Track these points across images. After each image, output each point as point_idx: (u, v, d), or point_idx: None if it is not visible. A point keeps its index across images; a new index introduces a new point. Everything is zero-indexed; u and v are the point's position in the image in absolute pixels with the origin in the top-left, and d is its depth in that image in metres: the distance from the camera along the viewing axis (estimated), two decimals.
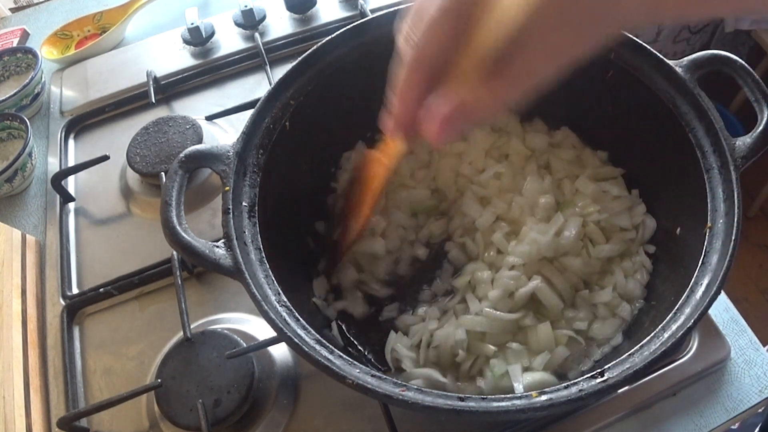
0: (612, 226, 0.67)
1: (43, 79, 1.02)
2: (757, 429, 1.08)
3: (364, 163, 0.66)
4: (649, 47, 0.61)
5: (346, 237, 0.67)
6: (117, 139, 0.93)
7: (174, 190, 0.54)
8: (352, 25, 0.66)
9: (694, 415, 0.62)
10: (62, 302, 0.77)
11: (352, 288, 0.69)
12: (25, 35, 1.17)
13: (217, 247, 0.52)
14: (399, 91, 0.42)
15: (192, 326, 0.68)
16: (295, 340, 0.48)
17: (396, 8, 0.66)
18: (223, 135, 0.91)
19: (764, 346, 0.65)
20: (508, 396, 0.46)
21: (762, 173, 1.77)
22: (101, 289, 0.76)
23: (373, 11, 0.98)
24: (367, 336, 0.66)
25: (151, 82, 0.95)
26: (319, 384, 0.66)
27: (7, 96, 0.96)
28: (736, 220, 0.51)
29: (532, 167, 0.72)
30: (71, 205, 0.88)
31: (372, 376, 0.47)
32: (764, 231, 1.99)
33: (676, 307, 0.50)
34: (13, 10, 1.29)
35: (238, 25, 1.03)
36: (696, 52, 0.60)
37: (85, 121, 0.98)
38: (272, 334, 0.57)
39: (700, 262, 0.52)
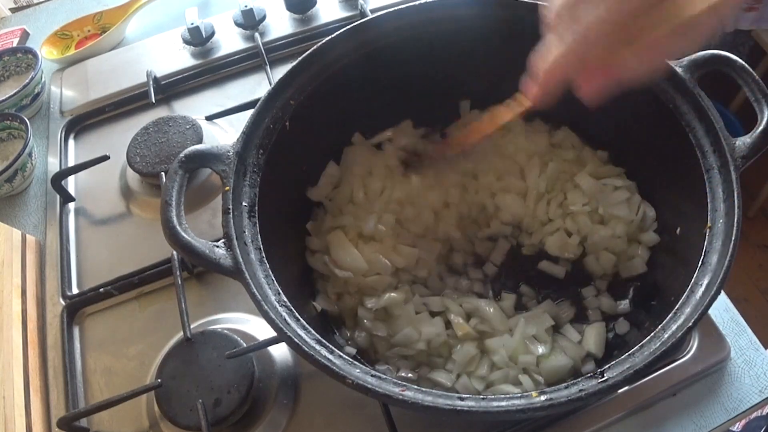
0: (610, 216, 0.68)
1: (43, 79, 1.02)
2: (764, 430, 1.07)
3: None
4: None
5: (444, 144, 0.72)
6: (117, 139, 0.93)
7: (174, 190, 0.54)
8: (352, 25, 0.66)
9: (694, 415, 0.62)
10: (62, 302, 0.77)
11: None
12: (25, 35, 1.17)
13: (217, 247, 0.52)
14: (552, 66, 0.46)
15: (192, 326, 0.68)
16: (295, 340, 0.48)
17: (396, 8, 0.67)
18: (223, 135, 0.91)
19: (764, 346, 0.65)
20: (508, 396, 0.46)
21: (762, 173, 1.77)
22: (101, 289, 0.76)
23: (373, 11, 0.98)
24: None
25: (151, 82, 0.95)
26: (319, 384, 0.66)
27: (7, 96, 0.96)
28: (736, 220, 0.51)
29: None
30: (71, 205, 0.88)
31: (372, 376, 0.47)
32: (764, 231, 1.99)
33: (676, 307, 0.50)
34: (13, 10, 1.29)
35: (238, 25, 1.03)
36: (696, 52, 0.60)
37: (85, 121, 0.98)
38: (272, 334, 0.57)
39: (700, 262, 0.52)
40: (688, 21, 0.39)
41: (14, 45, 1.14)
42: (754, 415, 0.96)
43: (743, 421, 1.00)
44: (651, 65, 0.43)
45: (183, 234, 0.51)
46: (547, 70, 0.46)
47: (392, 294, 0.65)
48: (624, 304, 0.66)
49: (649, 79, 0.45)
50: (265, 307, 0.49)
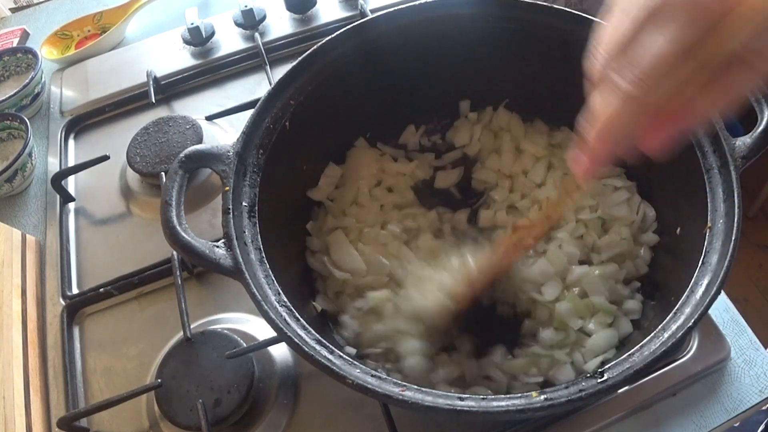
0: (611, 218, 0.68)
1: (43, 79, 1.02)
2: (762, 426, 1.07)
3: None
4: None
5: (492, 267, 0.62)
6: (117, 139, 0.93)
7: (174, 190, 0.54)
8: (352, 25, 0.66)
9: (694, 415, 0.62)
10: (62, 302, 0.77)
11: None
12: (25, 35, 1.17)
13: (217, 247, 0.52)
14: (606, 125, 0.37)
15: (192, 326, 0.68)
16: (295, 340, 0.48)
17: (396, 8, 0.67)
18: (223, 135, 0.91)
19: (764, 346, 0.65)
20: (508, 396, 0.46)
21: (762, 173, 1.77)
22: (101, 289, 0.76)
23: (373, 11, 0.98)
24: None
25: (151, 82, 0.95)
26: (319, 384, 0.66)
27: (7, 96, 0.96)
28: (736, 220, 0.51)
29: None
30: (71, 205, 0.88)
31: (372, 376, 0.47)
32: (764, 231, 1.99)
33: (676, 307, 0.50)
34: (13, 10, 1.29)
35: (238, 25, 1.03)
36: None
37: (85, 121, 0.98)
38: (272, 334, 0.57)
39: (700, 262, 0.52)
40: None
41: (14, 45, 1.14)
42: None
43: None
44: (725, 103, 0.35)
45: (183, 234, 0.51)
46: (601, 132, 0.38)
47: (377, 294, 0.64)
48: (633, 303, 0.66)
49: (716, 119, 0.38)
50: (265, 307, 0.49)
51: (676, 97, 0.34)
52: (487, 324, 0.67)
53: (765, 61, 0.33)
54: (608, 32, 0.36)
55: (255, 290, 0.50)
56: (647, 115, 0.36)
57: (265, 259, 0.54)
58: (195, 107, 0.96)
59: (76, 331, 0.76)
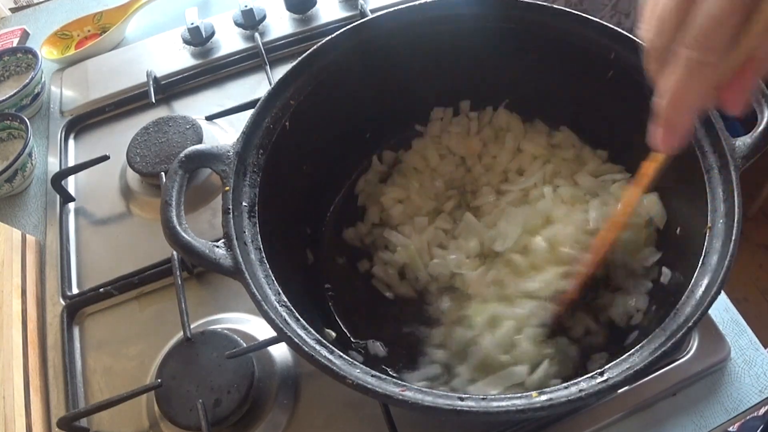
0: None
1: (43, 79, 1.02)
2: (760, 430, 1.07)
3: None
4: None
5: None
6: (117, 139, 0.93)
7: (174, 190, 0.54)
8: (352, 25, 0.66)
9: (694, 415, 0.62)
10: (62, 302, 0.77)
11: None
12: (25, 35, 1.17)
13: (217, 247, 0.52)
14: (677, 94, 0.37)
15: (192, 326, 0.68)
16: (295, 340, 0.48)
17: (396, 8, 0.67)
18: (223, 135, 0.91)
19: (764, 346, 0.65)
20: (508, 396, 0.46)
21: (762, 173, 1.77)
22: (101, 289, 0.76)
23: (373, 11, 0.98)
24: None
25: (151, 82, 0.95)
26: (319, 384, 0.66)
27: (7, 96, 0.96)
28: (736, 220, 0.51)
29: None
30: (71, 205, 0.88)
31: (372, 376, 0.47)
32: (764, 231, 1.99)
33: (676, 307, 0.50)
34: (13, 10, 1.29)
35: (238, 25, 1.03)
36: None
37: (85, 121, 0.98)
38: (272, 334, 0.57)
39: (700, 263, 0.52)
40: None
41: (14, 45, 1.14)
42: (750, 416, 0.96)
43: (739, 422, 1.00)
44: None
45: (183, 234, 0.51)
46: (673, 101, 0.38)
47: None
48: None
49: None
50: (265, 307, 0.49)
51: (742, 51, 0.35)
52: None
53: None
54: (659, 5, 0.37)
55: (255, 290, 0.50)
56: (718, 76, 0.36)
57: (265, 259, 0.54)
58: (195, 107, 0.96)
59: (76, 331, 0.76)
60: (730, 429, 0.65)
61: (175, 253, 0.73)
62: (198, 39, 1.02)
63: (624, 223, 0.59)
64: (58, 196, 0.87)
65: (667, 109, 0.39)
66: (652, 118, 0.41)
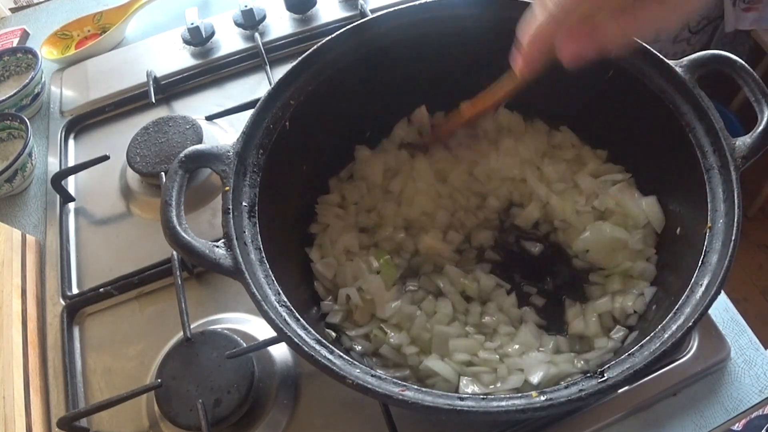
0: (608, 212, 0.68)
1: (43, 79, 1.02)
2: (764, 430, 1.07)
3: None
4: (649, 47, 0.61)
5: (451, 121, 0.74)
6: (117, 139, 0.93)
7: (174, 190, 0.54)
8: (352, 25, 0.66)
9: (694, 415, 0.62)
10: (62, 302, 0.77)
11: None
12: (25, 35, 1.17)
13: (217, 247, 0.52)
14: (535, 33, 0.49)
15: (192, 326, 0.68)
16: (295, 340, 0.48)
17: (396, 8, 0.67)
18: (223, 135, 0.91)
19: (764, 346, 0.65)
20: (508, 396, 0.46)
21: (762, 173, 1.77)
22: (101, 289, 0.76)
23: (373, 11, 0.98)
24: None
25: (151, 82, 0.95)
26: (319, 384, 0.66)
27: (7, 96, 0.96)
28: (736, 220, 0.51)
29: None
30: (71, 205, 0.88)
31: (372, 376, 0.47)
32: (764, 231, 1.99)
33: (676, 307, 0.50)
34: (13, 10, 1.29)
35: (238, 25, 1.03)
36: (696, 52, 0.60)
37: (85, 121, 0.98)
38: (272, 334, 0.57)
39: (700, 262, 0.52)
40: None
41: (14, 45, 1.14)
42: (755, 414, 0.96)
43: (744, 420, 1.00)
44: (631, 33, 0.46)
45: (183, 234, 0.51)
46: (531, 38, 0.50)
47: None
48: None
49: (624, 49, 0.48)
50: (265, 307, 0.49)
51: (589, 20, 0.46)
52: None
53: (673, 6, 0.44)
54: None
55: (255, 290, 0.50)
56: (564, 30, 0.47)
57: (265, 259, 0.54)
58: (195, 107, 0.96)
59: (76, 331, 0.76)
60: (734, 427, 0.65)
61: (175, 253, 0.73)
62: (198, 39, 1.02)
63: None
64: (58, 196, 0.87)
65: (528, 43, 0.50)
66: (515, 45, 0.52)
